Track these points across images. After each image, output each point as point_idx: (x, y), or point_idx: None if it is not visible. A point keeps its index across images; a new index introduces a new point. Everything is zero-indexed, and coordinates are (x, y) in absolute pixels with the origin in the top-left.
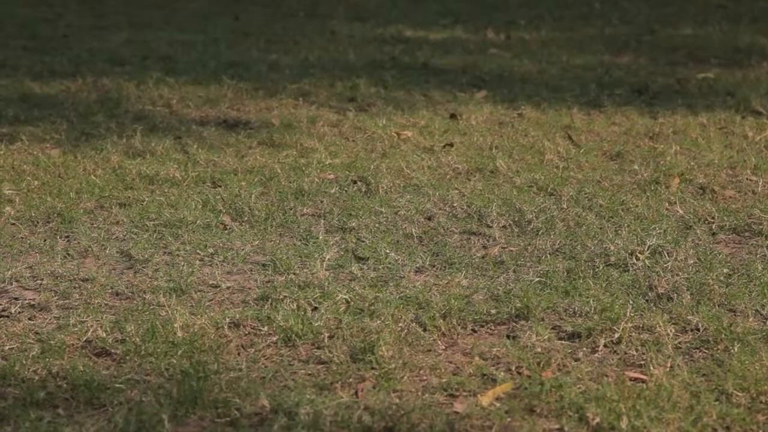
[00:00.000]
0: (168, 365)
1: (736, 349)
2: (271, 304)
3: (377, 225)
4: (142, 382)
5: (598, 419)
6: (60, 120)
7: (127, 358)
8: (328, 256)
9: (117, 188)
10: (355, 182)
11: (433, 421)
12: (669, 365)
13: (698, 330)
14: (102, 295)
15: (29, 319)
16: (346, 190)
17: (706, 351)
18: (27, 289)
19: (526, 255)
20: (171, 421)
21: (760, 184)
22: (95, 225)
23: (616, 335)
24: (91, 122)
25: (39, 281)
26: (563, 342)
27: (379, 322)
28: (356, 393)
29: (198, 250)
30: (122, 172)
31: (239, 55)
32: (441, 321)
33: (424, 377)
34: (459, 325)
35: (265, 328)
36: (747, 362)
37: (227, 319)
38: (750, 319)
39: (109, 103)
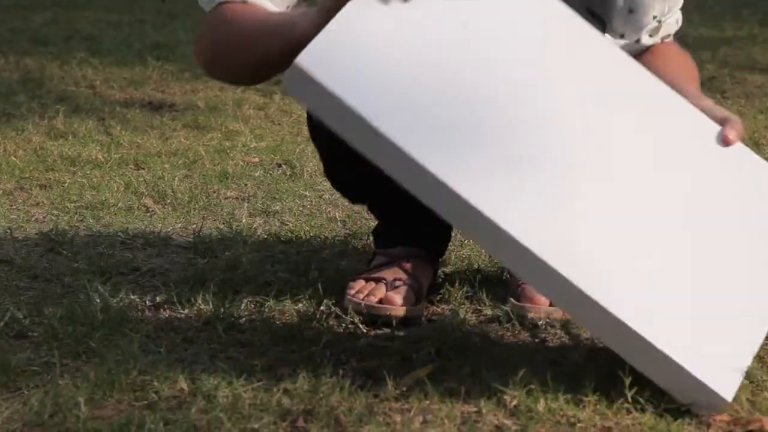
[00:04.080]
0: (86, 348)
1: None
2: (192, 286)
3: (301, 209)
4: (59, 365)
5: (515, 402)
6: None
7: (45, 341)
8: (251, 240)
9: (38, 170)
10: (279, 166)
11: (353, 404)
12: (587, 348)
13: None
14: (20, 278)
15: None
16: (270, 174)
17: None
18: None
19: None
20: (87, 404)
21: None
22: (14, 206)
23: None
24: (12, 102)
25: None
26: (484, 325)
27: (301, 305)
28: (276, 376)
29: (119, 233)
30: (43, 154)
31: (165, 37)
32: None
33: (345, 360)
34: None
35: (186, 311)
36: None
37: (147, 302)
38: None
39: (31, 84)
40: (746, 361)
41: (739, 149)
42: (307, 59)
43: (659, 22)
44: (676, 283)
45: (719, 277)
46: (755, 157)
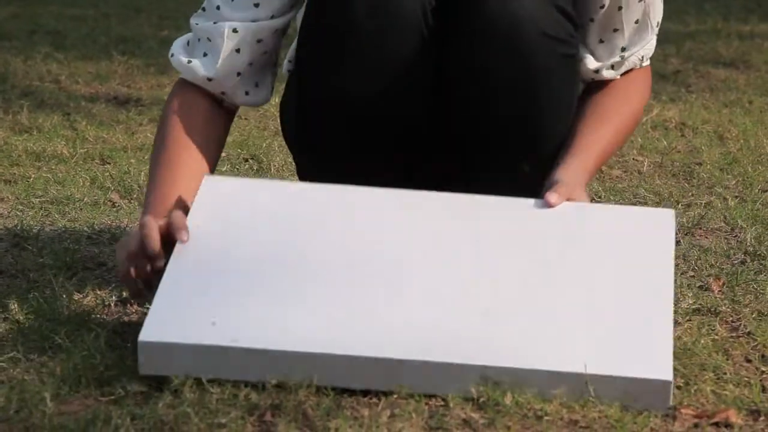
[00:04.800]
0: (52, 344)
1: None
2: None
3: None
4: (25, 361)
5: (483, 396)
6: None
7: (10, 336)
8: None
9: (2, 165)
10: (246, 160)
11: (321, 399)
12: None
13: None
14: None
15: None
16: (237, 169)
17: None
18: None
19: None
20: (53, 400)
21: (646, 164)
22: None
23: None
24: None
25: None
26: None
27: None
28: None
29: (85, 228)
30: (8, 149)
31: (130, 31)
32: None
33: None
34: None
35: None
36: None
37: (114, 297)
38: None
39: None
40: (668, 343)
41: (568, 206)
42: (150, 334)
43: (622, 57)
44: (565, 317)
45: (600, 302)
46: (583, 205)
